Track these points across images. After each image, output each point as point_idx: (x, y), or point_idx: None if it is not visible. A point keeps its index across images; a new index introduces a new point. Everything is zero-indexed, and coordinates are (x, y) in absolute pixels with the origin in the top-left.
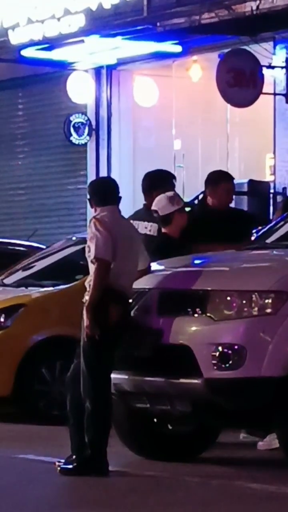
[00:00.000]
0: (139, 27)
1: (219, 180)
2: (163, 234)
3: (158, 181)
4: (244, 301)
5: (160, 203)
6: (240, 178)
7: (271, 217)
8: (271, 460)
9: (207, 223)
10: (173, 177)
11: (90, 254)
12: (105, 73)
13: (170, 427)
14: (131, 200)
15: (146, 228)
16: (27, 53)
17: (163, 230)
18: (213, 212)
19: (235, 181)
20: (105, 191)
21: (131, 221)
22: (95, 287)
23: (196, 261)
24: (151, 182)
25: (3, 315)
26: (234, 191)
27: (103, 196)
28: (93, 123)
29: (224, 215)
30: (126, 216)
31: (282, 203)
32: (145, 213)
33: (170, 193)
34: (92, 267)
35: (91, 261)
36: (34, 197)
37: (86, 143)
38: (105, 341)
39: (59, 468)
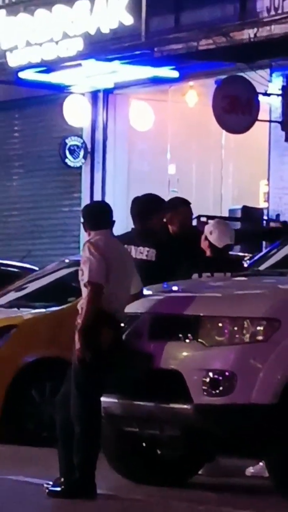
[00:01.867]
0: (136, 52)
1: (178, 205)
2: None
3: (156, 205)
4: (235, 328)
5: (219, 237)
6: (234, 204)
7: (263, 244)
8: (261, 486)
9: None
10: (164, 202)
11: (83, 278)
12: (102, 97)
13: (159, 452)
14: (124, 223)
15: (142, 253)
16: (25, 75)
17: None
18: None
19: (229, 207)
20: (99, 215)
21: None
22: (87, 311)
23: (189, 287)
24: (149, 206)
25: None
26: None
27: (97, 220)
28: (89, 146)
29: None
30: None
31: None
32: (138, 238)
33: (227, 228)
34: (85, 291)
35: (84, 284)
36: (28, 219)
37: (81, 166)
38: (96, 365)
39: (47, 490)
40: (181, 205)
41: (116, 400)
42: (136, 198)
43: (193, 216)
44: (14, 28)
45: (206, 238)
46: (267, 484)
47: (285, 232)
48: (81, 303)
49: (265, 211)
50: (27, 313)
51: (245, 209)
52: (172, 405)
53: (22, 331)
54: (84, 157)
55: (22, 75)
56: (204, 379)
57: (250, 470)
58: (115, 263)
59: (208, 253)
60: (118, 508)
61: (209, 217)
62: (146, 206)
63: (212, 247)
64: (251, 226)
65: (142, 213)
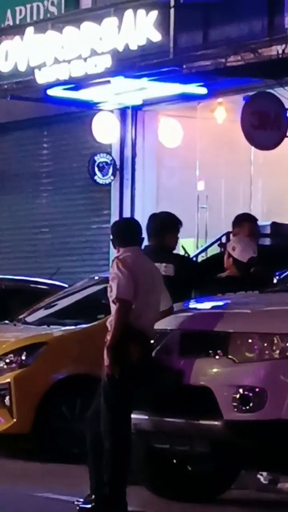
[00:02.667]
0: (164, 69)
1: (242, 221)
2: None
3: (170, 223)
4: (265, 344)
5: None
6: (263, 220)
7: None
8: None
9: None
10: (180, 222)
11: (112, 294)
12: (130, 114)
13: (189, 468)
14: None
15: (161, 269)
16: (53, 92)
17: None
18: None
19: (259, 223)
20: (128, 232)
21: None
22: (116, 327)
23: (219, 303)
24: (164, 224)
25: (24, 353)
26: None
27: (126, 237)
28: (118, 163)
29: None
30: None
31: None
32: (154, 254)
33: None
34: (113, 307)
35: (112, 301)
36: (57, 236)
37: (110, 183)
38: (125, 381)
39: (78, 508)
40: (245, 220)
41: (146, 417)
42: (151, 215)
43: (223, 233)
44: (42, 45)
45: (229, 256)
46: None
47: None
48: (110, 320)
49: None
50: (57, 330)
51: (274, 225)
52: (202, 422)
53: (52, 348)
54: (113, 174)
55: (50, 92)
56: (234, 395)
57: (283, 486)
58: (144, 279)
59: (233, 270)
60: None
61: None
62: (160, 223)
63: (236, 263)
64: (281, 241)
65: (157, 230)
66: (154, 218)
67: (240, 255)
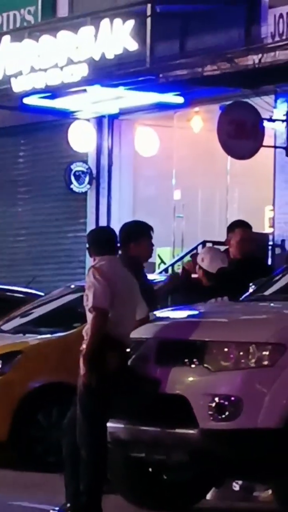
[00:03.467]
0: (141, 78)
1: (234, 227)
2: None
3: (134, 232)
4: (241, 353)
5: (211, 263)
6: None
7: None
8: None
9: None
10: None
11: (88, 303)
12: (107, 123)
13: (165, 477)
14: None
15: None
16: (30, 101)
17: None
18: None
19: None
20: (104, 241)
21: None
22: (92, 336)
23: (195, 312)
24: (127, 233)
25: (0, 362)
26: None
27: (101, 246)
28: (94, 171)
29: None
30: None
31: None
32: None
33: (209, 255)
34: (89, 316)
35: (88, 310)
36: (33, 244)
37: (86, 192)
38: (101, 390)
39: None
40: (237, 226)
41: (122, 425)
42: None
43: (200, 242)
44: (18, 54)
45: (200, 267)
46: (274, 509)
47: None
48: (86, 329)
49: (270, 237)
50: (32, 338)
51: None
52: (178, 430)
53: (28, 356)
54: (89, 182)
55: (26, 101)
56: (210, 404)
57: (259, 495)
58: (120, 288)
59: (204, 281)
60: None
61: (214, 243)
62: (123, 232)
63: (207, 274)
64: (258, 251)
65: (121, 239)
66: (121, 228)
67: (209, 266)
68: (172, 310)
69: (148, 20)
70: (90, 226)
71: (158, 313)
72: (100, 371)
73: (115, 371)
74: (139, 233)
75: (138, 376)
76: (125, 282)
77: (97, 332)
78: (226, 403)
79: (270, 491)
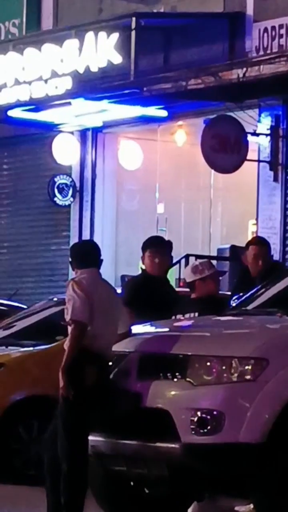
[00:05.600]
0: (125, 91)
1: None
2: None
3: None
4: (224, 367)
5: (185, 271)
6: (222, 243)
7: None
8: None
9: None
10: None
11: (67, 316)
12: (91, 136)
13: (146, 491)
14: (113, 262)
15: None
16: (14, 113)
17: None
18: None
19: (218, 246)
20: (86, 254)
21: None
22: (70, 349)
23: (177, 326)
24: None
25: None
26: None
27: (83, 259)
28: (77, 184)
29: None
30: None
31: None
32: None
33: (196, 263)
34: (69, 329)
35: (67, 322)
36: (16, 257)
37: (69, 205)
38: (81, 403)
39: None
40: (251, 244)
41: (103, 439)
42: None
43: (183, 255)
44: (3, 67)
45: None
46: None
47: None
48: (66, 342)
49: None
50: (15, 351)
51: (233, 248)
52: (159, 444)
53: (9, 369)
54: (73, 195)
55: (11, 113)
56: (192, 418)
57: (240, 510)
58: (100, 301)
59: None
60: None
61: (197, 256)
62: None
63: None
64: (240, 265)
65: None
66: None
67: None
68: (154, 324)
69: (133, 33)
70: (73, 239)
71: (140, 327)
72: (78, 384)
73: (93, 385)
74: (142, 248)
75: (117, 390)
76: (106, 296)
77: (75, 345)
78: (208, 417)
79: (251, 506)
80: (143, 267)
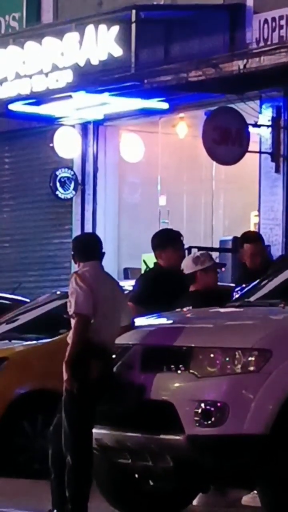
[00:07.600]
0: (126, 84)
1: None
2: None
3: (165, 240)
4: (227, 358)
5: (185, 262)
6: (225, 235)
7: None
8: None
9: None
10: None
11: (70, 309)
12: (92, 129)
13: (151, 483)
14: (116, 255)
15: None
16: (15, 107)
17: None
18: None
19: (220, 238)
20: (88, 247)
21: None
22: (74, 342)
23: (180, 318)
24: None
25: None
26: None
27: (86, 252)
28: (79, 178)
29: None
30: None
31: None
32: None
33: (197, 254)
34: (72, 322)
35: (70, 316)
36: (19, 251)
37: (71, 198)
38: (85, 396)
39: None
40: (245, 241)
41: (108, 432)
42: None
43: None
44: (3, 60)
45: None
46: None
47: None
48: (70, 335)
49: None
50: (18, 345)
51: (236, 240)
52: (164, 436)
53: (13, 363)
54: (75, 189)
55: (12, 107)
56: (196, 410)
57: (245, 499)
58: (103, 294)
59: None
60: None
61: (200, 248)
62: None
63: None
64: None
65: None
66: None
67: (186, 270)
68: (157, 316)
69: (133, 26)
70: (75, 232)
71: (144, 319)
72: (82, 377)
73: (98, 378)
74: (163, 243)
75: (121, 383)
76: (108, 288)
77: (78, 338)
78: (212, 409)
79: (254, 495)
80: (156, 261)
